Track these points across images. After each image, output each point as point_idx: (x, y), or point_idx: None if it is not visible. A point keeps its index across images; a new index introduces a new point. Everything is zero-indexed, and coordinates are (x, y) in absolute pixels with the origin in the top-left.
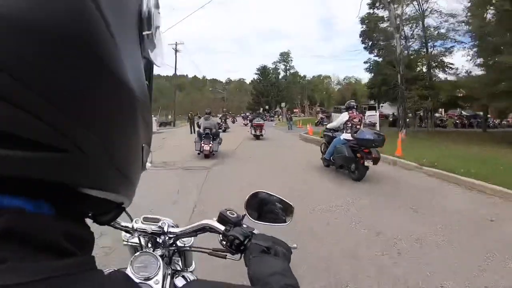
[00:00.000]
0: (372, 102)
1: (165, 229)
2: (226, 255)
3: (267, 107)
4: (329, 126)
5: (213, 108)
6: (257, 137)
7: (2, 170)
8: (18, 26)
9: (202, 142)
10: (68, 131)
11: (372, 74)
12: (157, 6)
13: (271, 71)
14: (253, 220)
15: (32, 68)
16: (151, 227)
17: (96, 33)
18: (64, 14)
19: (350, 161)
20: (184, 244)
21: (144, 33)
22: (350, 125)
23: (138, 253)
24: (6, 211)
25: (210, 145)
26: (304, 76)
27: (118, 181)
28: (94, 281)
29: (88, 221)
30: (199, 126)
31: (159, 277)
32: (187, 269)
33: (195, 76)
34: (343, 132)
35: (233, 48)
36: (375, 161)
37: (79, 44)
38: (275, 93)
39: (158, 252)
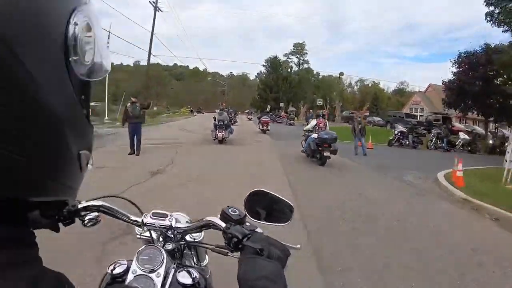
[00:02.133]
0: (449, 112)
1: (172, 224)
2: (228, 253)
3: (281, 104)
4: (305, 128)
5: (212, 102)
6: (263, 131)
7: None
8: None
9: (217, 131)
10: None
11: (463, 67)
12: (88, 29)
13: (282, 64)
14: (251, 218)
15: None
16: (159, 222)
17: (12, 76)
18: None
19: (315, 152)
20: (194, 239)
21: (70, 58)
22: (317, 128)
23: (143, 246)
24: None
25: (223, 133)
26: (318, 74)
27: (54, 188)
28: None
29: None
30: (215, 119)
31: (162, 270)
32: (200, 264)
33: (196, 67)
34: (314, 133)
35: (238, 45)
36: (333, 152)
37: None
38: (287, 89)
39: (169, 246)
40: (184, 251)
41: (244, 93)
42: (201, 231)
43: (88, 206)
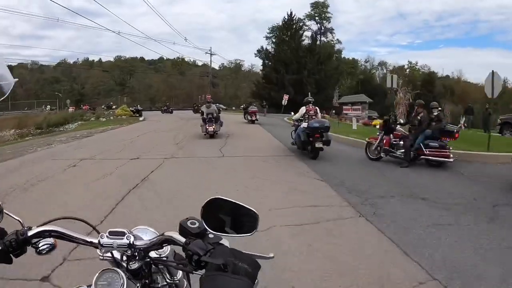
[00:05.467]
0: None
1: (131, 243)
2: (192, 270)
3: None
4: (294, 117)
5: (196, 96)
6: (252, 122)
7: None
8: None
9: (207, 125)
10: None
11: None
12: None
13: (302, 26)
14: (210, 231)
15: None
16: (116, 242)
17: None
18: None
19: (305, 144)
20: (160, 255)
21: None
22: (307, 116)
23: (101, 270)
24: None
25: (213, 127)
26: (340, 51)
27: None
28: None
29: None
30: (202, 113)
31: None
32: (173, 278)
33: (182, 59)
34: (303, 122)
35: (228, 39)
36: (326, 143)
37: None
38: (314, 66)
39: (135, 265)
40: (154, 267)
41: (238, 83)
42: (161, 248)
43: (39, 232)
